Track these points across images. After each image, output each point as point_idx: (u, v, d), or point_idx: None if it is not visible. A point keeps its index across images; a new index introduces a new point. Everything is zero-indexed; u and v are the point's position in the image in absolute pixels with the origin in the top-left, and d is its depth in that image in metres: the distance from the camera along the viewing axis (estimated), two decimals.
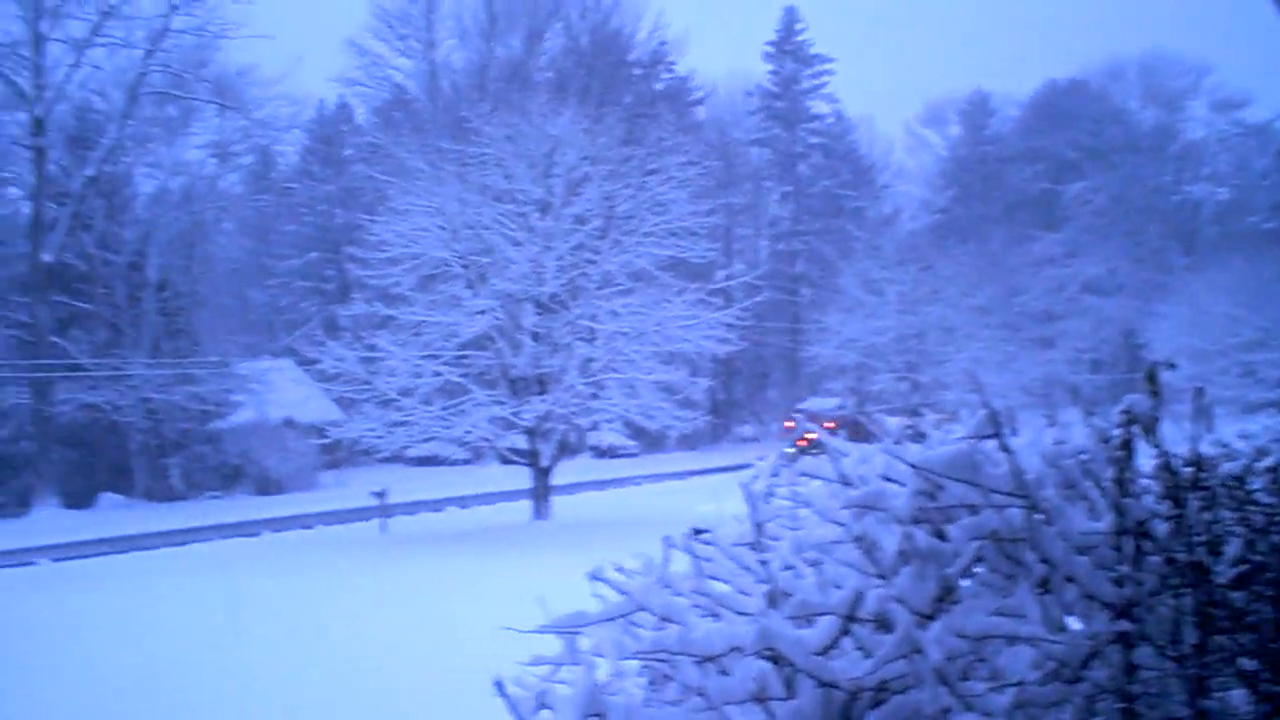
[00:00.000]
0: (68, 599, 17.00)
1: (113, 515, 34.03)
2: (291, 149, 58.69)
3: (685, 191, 25.44)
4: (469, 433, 24.01)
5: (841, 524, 3.11)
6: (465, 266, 24.21)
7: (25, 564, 22.42)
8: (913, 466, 2.98)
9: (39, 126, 35.92)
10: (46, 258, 36.14)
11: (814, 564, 3.08)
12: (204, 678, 10.92)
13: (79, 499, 37.19)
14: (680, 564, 3.27)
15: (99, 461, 38.65)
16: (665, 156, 25.56)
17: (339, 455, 46.41)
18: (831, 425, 29.36)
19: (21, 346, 37.77)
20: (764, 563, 2.97)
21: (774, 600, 2.79)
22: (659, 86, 59.81)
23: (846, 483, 3.17)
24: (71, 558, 23.12)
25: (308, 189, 59.06)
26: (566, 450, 26.76)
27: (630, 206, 24.57)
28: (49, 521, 32.75)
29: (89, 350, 37.85)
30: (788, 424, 34.31)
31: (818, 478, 3.32)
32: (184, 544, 24.89)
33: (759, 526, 3.28)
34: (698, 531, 3.37)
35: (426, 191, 24.25)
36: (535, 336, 24.06)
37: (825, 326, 47.49)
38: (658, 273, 25.60)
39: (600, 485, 35.42)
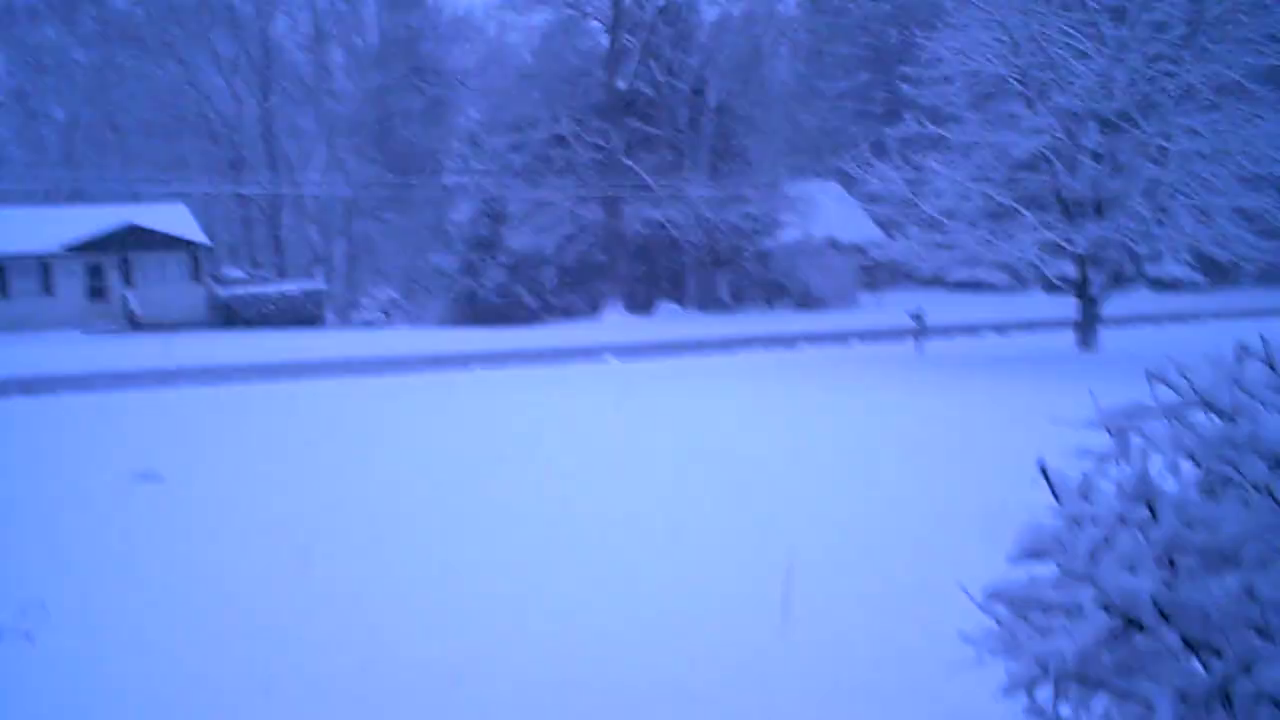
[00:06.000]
0: (633, 392, 19.06)
1: (669, 322, 37.42)
2: None
3: None
4: (1015, 257, 23.07)
5: None
6: (1024, 82, 22.85)
7: (597, 360, 25.42)
8: None
9: None
10: (621, 85, 39.33)
11: None
12: (764, 469, 11.81)
13: (640, 306, 41.32)
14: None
15: (658, 273, 42.40)
16: None
17: (878, 276, 46.96)
18: None
19: (597, 167, 41.82)
20: None
21: None
22: None
23: None
24: (634, 357, 25.83)
25: (862, 9, 58.54)
26: (1120, 281, 24.93)
27: (1223, 9, 21.58)
28: (615, 324, 36.82)
29: (653, 171, 41.06)
30: None
31: None
32: (730, 352, 26.81)
33: None
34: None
35: (987, 3, 22.96)
36: (1096, 157, 22.31)
37: None
38: (1251, 85, 22.42)
39: (1155, 321, 32.80)
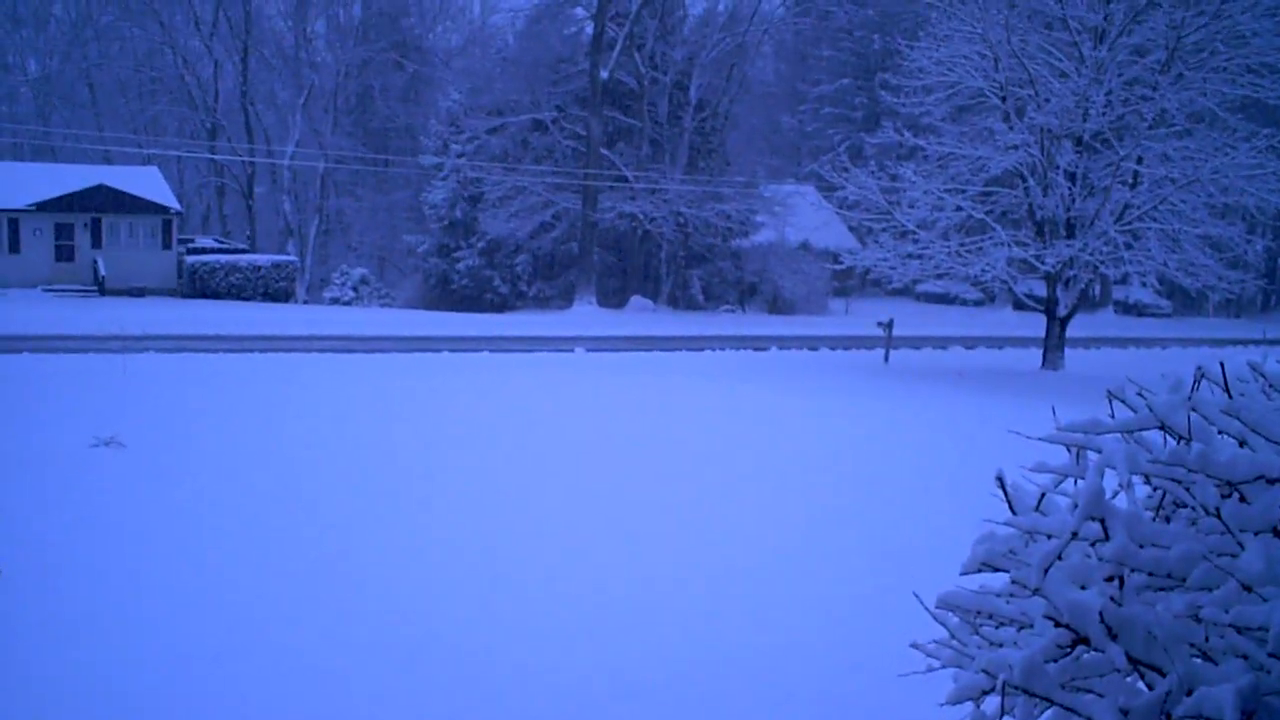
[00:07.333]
0: (599, 383, 19.08)
1: (640, 316, 37.45)
2: None
3: (1273, 21, 22.14)
4: (985, 272, 23.26)
5: None
6: (1003, 98, 23.03)
7: (565, 351, 25.46)
8: None
9: None
10: (603, 75, 39.28)
11: None
12: (723, 466, 11.87)
13: (612, 299, 41.34)
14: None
15: (631, 267, 42.43)
16: None
17: (850, 283, 47.24)
18: None
19: (576, 156, 41.79)
20: None
21: None
22: None
23: None
24: (603, 350, 25.89)
25: (848, 13, 58.75)
26: (1087, 302, 25.22)
27: (1201, 37, 21.80)
28: (587, 316, 36.80)
29: (632, 163, 41.08)
30: None
31: None
32: (700, 350, 26.90)
33: None
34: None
35: (971, 16, 23.09)
36: (1070, 176, 22.53)
37: None
38: (1224, 114, 22.73)
39: (1121, 345, 33.17)
